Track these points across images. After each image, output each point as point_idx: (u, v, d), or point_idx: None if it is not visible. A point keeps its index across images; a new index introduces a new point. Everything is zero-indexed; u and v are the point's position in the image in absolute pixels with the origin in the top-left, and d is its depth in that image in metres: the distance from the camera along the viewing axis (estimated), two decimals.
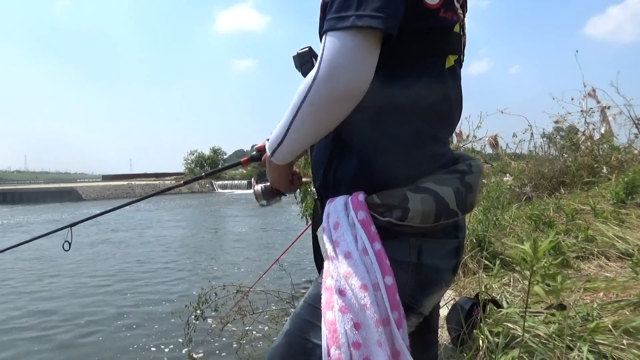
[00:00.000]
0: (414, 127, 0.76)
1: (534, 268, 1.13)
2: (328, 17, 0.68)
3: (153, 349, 4.45)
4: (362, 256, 0.73)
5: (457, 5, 0.79)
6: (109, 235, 12.31)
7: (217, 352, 4.20)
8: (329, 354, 0.70)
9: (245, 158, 1.09)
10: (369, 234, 0.74)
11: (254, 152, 1.07)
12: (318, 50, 0.91)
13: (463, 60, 0.87)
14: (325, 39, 0.68)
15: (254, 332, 3.72)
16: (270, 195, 1.08)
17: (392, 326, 0.70)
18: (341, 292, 0.72)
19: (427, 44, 0.75)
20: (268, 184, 1.06)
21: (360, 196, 0.76)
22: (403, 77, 0.74)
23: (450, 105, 0.83)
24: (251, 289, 3.35)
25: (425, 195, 0.73)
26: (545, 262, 2.02)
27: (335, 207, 0.78)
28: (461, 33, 0.82)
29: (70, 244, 1.29)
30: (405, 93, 0.74)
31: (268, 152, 0.83)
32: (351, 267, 0.72)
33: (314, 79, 0.68)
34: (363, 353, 0.69)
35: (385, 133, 0.75)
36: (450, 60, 0.80)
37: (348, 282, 0.72)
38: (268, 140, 0.83)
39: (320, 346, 0.72)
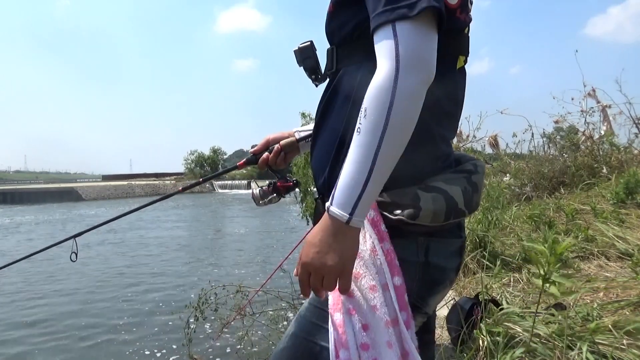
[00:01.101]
0: (425, 126, 0.75)
1: (551, 268, 1.13)
2: (385, 8, 0.66)
3: (149, 351, 4.45)
4: (371, 256, 0.72)
5: (470, 7, 0.80)
6: (107, 236, 12.28)
7: (217, 352, 4.20)
8: (337, 356, 0.70)
9: (242, 161, 1.12)
10: (378, 233, 0.73)
11: (250, 155, 1.09)
12: (319, 45, 0.91)
13: (466, 62, 0.87)
14: (394, 29, 0.65)
15: (254, 333, 3.72)
16: (268, 195, 1.13)
17: (401, 327, 0.70)
18: (349, 293, 0.72)
19: (441, 44, 0.75)
20: (266, 187, 1.12)
21: None
22: None
23: (457, 105, 0.84)
24: (256, 293, 3.35)
25: (436, 194, 0.73)
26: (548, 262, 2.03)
27: None
28: (468, 35, 0.83)
29: (77, 255, 1.32)
30: None
31: (340, 214, 0.65)
32: (360, 268, 0.72)
33: (397, 71, 0.63)
34: (372, 354, 0.69)
35: None
36: (461, 61, 0.81)
37: (357, 284, 0.72)
38: (332, 201, 0.67)
39: (327, 348, 0.72)
